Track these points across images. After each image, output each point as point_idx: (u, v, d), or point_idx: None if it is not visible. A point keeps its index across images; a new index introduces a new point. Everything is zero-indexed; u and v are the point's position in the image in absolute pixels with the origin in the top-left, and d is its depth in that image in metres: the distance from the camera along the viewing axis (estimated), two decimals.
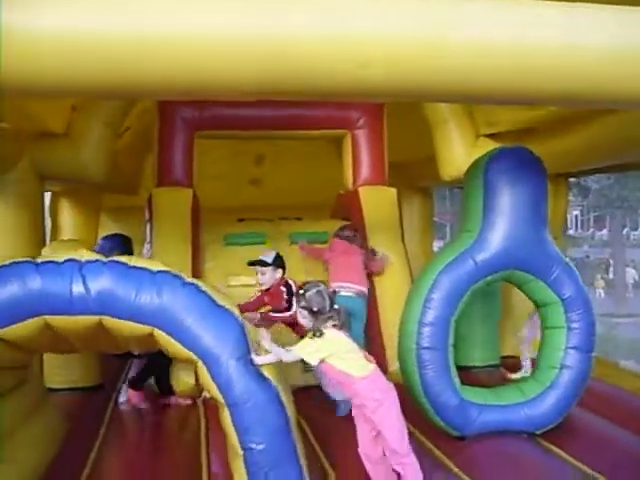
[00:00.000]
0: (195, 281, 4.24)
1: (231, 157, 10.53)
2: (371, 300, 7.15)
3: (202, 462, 4.88)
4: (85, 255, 4.16)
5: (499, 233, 5.22)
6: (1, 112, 5.03)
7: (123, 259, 4.22)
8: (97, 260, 4.13)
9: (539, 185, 5.30)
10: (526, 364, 6.84)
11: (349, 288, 6.73)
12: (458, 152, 7.61)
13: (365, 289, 6.93)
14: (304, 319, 4.37)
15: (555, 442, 5.21)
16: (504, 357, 7.56)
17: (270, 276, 6.07)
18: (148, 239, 7.28)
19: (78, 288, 3.98)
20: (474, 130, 7.73)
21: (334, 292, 4.49)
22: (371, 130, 8.12)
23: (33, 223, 6.78)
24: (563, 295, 5.32)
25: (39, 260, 4.08)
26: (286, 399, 4.26)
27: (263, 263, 6.10)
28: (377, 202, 7.77)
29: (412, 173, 9.75)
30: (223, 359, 4.01)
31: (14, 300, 3.95)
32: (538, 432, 5.31)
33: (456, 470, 4.76)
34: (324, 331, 4.23)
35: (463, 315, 5.33)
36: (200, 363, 4.05)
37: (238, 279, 7.03)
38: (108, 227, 9.93)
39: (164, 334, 4.04)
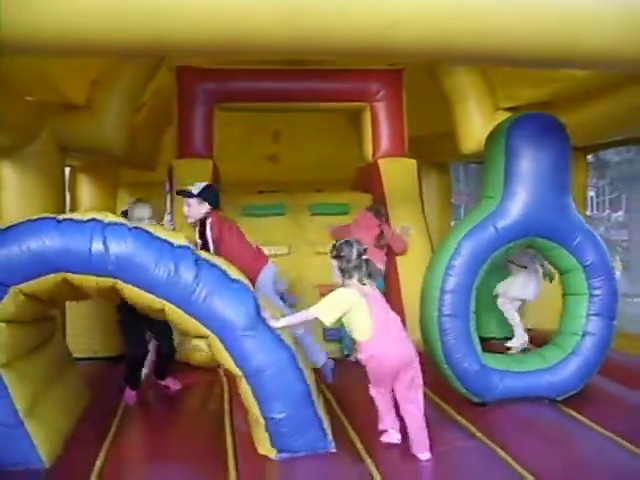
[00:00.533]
0: (209, 257, 4.32)
1: (248, 134, 10.55)
2: (392, 272, 7.17)
3: (226, 430, 4.89)
4: (109, 216, 4.20)
5: (520, 200, 5.19)
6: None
7: (148, 227, 4.25)
8: (121, 224, 4.17)
9: (562, 151, 5.25)
10: (517, 330, 6.66)
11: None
12: (477, 125, 7.60)
13: (383, 267, 7.02)
14: (335, 271, 4.44)
15: (576, 408, 5.19)
16: (528, 329, 7.53)
17: (195, 209, 5.40)
18: (169, 210, 7.31)
19: (98, 247, 4.04)
20: (494, 104, 7.70)
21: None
22: (390, 102, 8.14)
23: (54, 195, 6.84)
24: (585, 262, 5.30)
25: (61, 217, 4.14)
26: (304, 365, 4.29)
27: (188, 194, 5.46)
28: (397, 173, 7.80)
29: (429, 148, 9.72)
30: (237, 332, 4.07)
31: (34, 256, 4.03)
32: (559, 398, 5.31)
33: (479, 435, 4.76)
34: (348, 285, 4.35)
35: (481, 286, 5.32)
36: (213, 337, 4.10)
37: None
38: (126, 202, 9.95)
39: (176, 309, 4.12)
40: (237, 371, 4.13)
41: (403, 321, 6.73)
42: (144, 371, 5.84)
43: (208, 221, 5.35)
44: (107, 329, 6.80)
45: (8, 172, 6.50)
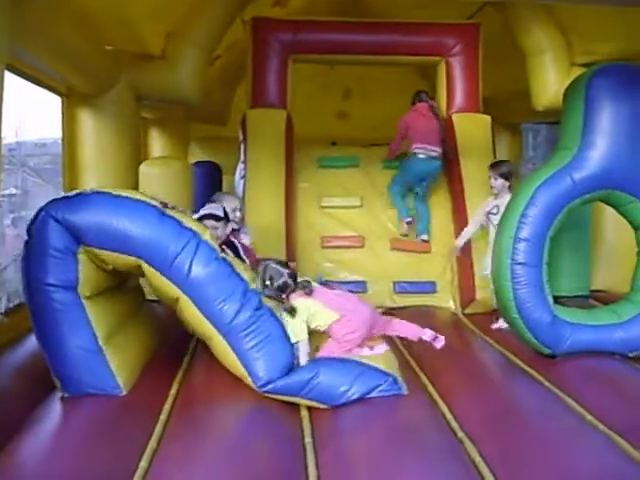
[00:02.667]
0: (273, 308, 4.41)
1: (319, 91, 10.57)
2: (462, 229, 7.14)
3: None
4: (207, 234, 4.27)
5: (599, 151, 5.10)
6: None
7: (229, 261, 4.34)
8: (213, 248, 4.25)
9: None
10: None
11: (426, 150, 7.24)
12: (552, 81, 7.49)
13: (441, 151, 7.37)
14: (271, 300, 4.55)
15: None
16: (594, 291, 7.44)
17: (221, 231, 5.31)
18: (242, 159, 7.40)
19: (182, 260, 4.11)
20: (570, 59, 7.55)
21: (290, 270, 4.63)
22: (466, 57, 8.05)
23: (131, 142, 7.00)
24: None
25: (167, 212, 4.17)
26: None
27: (214, 218, 5.34)
28: (471, 129, 7.75)
29: (502, 108, 9.59)
30: None
31: (124, 235, 4.07)
32: (631, 355, 5.23)
33: (547, 384, 4.73)
34: (294, 304, 4.46)
35: (552, 243, 5.25)
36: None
37: (331, 200, 7.12)
38: (197, 156, 10.11)
39: (222, 340, 4.28)
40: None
41: (473, 279, 6.85)
42: None
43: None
44: None
45: (87, 120, 6.66)
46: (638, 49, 6.51)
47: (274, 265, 4.54)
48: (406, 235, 7.38)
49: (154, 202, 4.20)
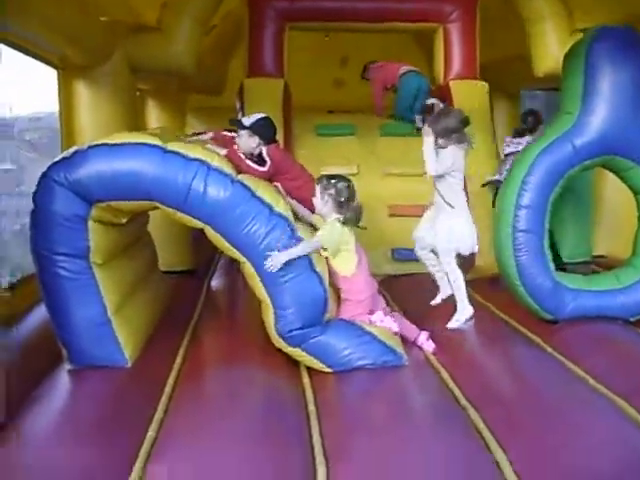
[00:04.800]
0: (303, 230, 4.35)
1: (316, 60, 10.51)
2: None
3: None
4: (216, 160, 4.18)
5: (599, 116, 5.07)
6: None
7: (249, 184, 4.23)
8: (225, 173, 4.17)
9: None
10: (461, 301, 5.43)
11: (410, 69, 8.02)
12: (552, 47, 7.40)
13: None
14: (325, 206, 4.55)
15: None
16: (596, 256, 7.44)
17: (244, 142, 5.08)
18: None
19: (197, 188, 4.06)
20: (570, 25, 7.47)
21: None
22: (464, 23, 8.04)
23: (128, 114, 6.93)
24: None
25: (168, 147, 4.10)
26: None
27: (240, 125, 5.17)
28: (468, 95, 7.71)
29: (500, 75, 9.53)
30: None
31: (132, 179, 4.05)
32: (632, 319, 5.25)
33: (549, 350, 4.76)
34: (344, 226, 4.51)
35: (553, 209, 5.25)
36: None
37: (329, 169, 7.06)
38: (194, 127, 10.04)
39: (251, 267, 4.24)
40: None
41: None
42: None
43: (264, 152, 5.11)
44: (180, 246, 6.97)
45: (83, 91, 6.59)
46: (636, 13, 6.43)
47: (345, 183, 4.57)
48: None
49: (154, 140, 4.11)
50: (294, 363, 4.47)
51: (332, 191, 4.51)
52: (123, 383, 4.13)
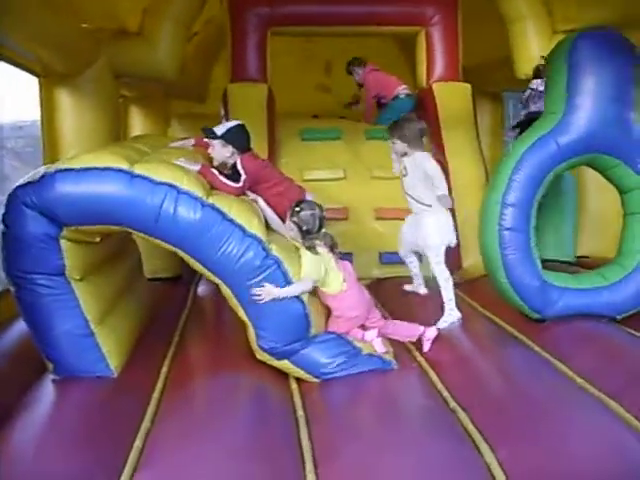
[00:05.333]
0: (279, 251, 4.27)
1: (300, 65, 10.52)
2: None
3: None
4: (186, 182, 4.07)
5: (583, 115, 5.09)
6: None
7: (221, 205, 4.14)
8: (196, 197, 4.05)
9: (626, 66, 5.10)
10: (449, 303, 5.46)
11: (405, 89, 8.06)
12: (534, 49, 7.42)
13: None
14: (291, 232, 4.55)
15: (636, 327, 5.11)
16: (579, 257, 7.47)
17: (217, 152, 4.93)
18: None
19: (168, 215, 3.97)
20: (551, 26, 7.51)
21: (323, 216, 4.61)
22: (445, 26, 8.05)
23: (111, 121, 6.90)
24: None
25: (135, 171, 3.98)
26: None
27: (211, 134, 4.96)
28: (451, 97, 7.76)
29: (482, 77, 9.56)
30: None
31: (99, 206, 3.95)
32: (619, 317, 5.26)
33: (537, 349, 4.77)
34: (318, 250, 4.47)
35: (538, 209, 5.26)
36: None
37: (314, 173, 7.08)
38: (177, 134, 10.01)
39: (228, 290, 4.23)
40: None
41: (458, 247, 6.84)
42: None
43: (238, 164, 4.89)
44: (166, 252, 6.91)
45: (65, 99, 6.55)
46: (618, 16, 6.46)
47: (309, 211, 4.51)
48: None
49: (120, 164, 3.96)
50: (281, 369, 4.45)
51: (295, 219, 4.49)
52: (109, 392, 4.08)
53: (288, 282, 4.21)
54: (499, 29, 7.72)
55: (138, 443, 3.43)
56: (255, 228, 4.16)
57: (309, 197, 5.12)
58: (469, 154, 7.31)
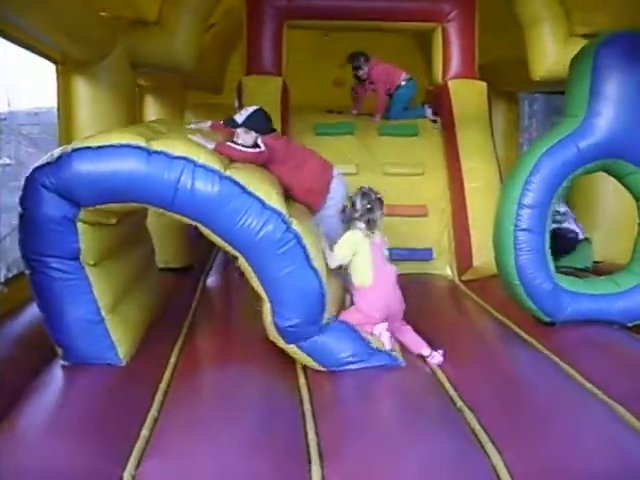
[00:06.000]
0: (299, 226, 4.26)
1: (315, 59, 10.51)
2: (458, 195, 7.12)
3: None
4: (202, 156, 4.06)
5: (604, 120, 5.05)
6: None
7: (240, 178, 4.12)
8: (212, 169, 4.04)
9: None
10: None
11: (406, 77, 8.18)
12: (550, 51, 7.35)
13: None
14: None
15: None
16: (597, 262, 7.40)
17: (242, 139, 4.93)
18: None
19: (185, 189, 3.97)
20: (568, 29, 7.44)
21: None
22: (462, 23, 8.00)
23: (127, 110, 6.90)
24: None
25: (153, 147, 3.98)
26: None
27: (232, 124, 5.00)
28: (467, 95, 7.72)
29: (498, 76, 9.52)
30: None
31: (117, 183, 3.96)
32: (630, 324, 5.23)
33: (546, 352, 4.75)
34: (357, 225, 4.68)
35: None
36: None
37: None
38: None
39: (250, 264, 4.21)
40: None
41: (470, 246, 6.83)
42: None
43: (259, 141, 4.97)
44: (177, 243, 6.94)
45: (82, 87, 6.56)
46: (635, 19, 6.42)
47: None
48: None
49: (138, 141, 3.96)
50: (290, 362, 4.46)
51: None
52: (117, 380, 4.09)
53: (307, 257, 4.20)
54: (516, 29, 7.66)
55: (145, 432, 3.45)
56: (274, 201, 4.13)
57: (335, 172, 5.46)
58: (483, 152, 7.27)
